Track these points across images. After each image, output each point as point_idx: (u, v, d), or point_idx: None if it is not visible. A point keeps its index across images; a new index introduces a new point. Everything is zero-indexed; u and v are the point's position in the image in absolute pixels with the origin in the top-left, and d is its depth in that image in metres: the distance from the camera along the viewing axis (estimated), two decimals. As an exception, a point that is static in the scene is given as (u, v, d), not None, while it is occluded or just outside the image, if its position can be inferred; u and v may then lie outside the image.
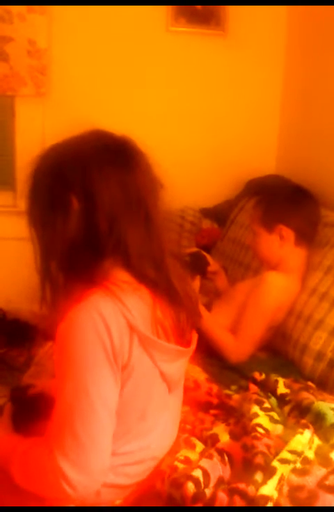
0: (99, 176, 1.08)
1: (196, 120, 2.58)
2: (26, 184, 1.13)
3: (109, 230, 1.08)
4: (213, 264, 2.11)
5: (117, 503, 1.18)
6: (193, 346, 1.25)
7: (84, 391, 1.03)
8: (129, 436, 1.15)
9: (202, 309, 1.71)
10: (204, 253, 2.09)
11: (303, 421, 1.35)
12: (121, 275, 1.10)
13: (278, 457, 1.21)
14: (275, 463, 1.19)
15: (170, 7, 2.47)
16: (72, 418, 1.03)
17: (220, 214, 2.51)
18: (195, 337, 1.25)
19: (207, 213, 2.54)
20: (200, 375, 1.58)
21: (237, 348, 1.86)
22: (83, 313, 1.05)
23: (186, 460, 1.22)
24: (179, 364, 1.21)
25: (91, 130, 1.14)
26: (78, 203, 1.08)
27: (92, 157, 1.09)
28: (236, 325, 1.91)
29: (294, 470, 1.18)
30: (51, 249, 1.11)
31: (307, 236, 1.94)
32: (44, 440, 1.07)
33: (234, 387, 1.58)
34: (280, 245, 1.92)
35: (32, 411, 1.28)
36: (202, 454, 1.24)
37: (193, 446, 1.28)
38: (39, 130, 2.50)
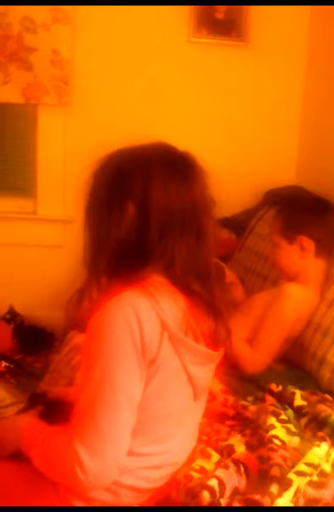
0: (159, 187, 1.12)
1: (216, 130, 2.59)
2: (86, 184, 1.18)
3: (159, 239, 1.12)
4: (230, 275, 2.10)
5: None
6: (222, 353, 1.26)
7: (109, 380, 1.06)
8: (151, 437, 1.16)
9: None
10: (222, 263, 2.09)
11: (320, 433, 1.35)
12: (158, 279, 1.14)
13: (295, 469, 1.20)
14: (291, 475, 1.18)
15: (192, 17, 2.48)
16: (95, 405, 1.06)
17: (238, 224, 2.51)
18: (223, 348, 1.26)
19: (225, 222, 2.54)
20: (216, 386, 1.58)
21: (254, 359, 1.85)
22: (116, 306, 1.08)
23: (202, 470, 1.23)
24: (207, 370, 1.23)
25: (154, 142, 1.18)
26: (135, 209, 1.12)
27: (155, 168, 1.13)
28: (254, 337, 1.90)
29: (311, 483, 1.18)
30: (102, 249, 1.15)
31: (328, 247, 1.93)
32: (66, 428, 1.10)
33: (250, 398, 1.58)
34: (301, 256, 1.91)
35: (51, 417, 1.30)
36: (217, 464, 1.24)
37: (208, 457, 1.28)
38: (60, 139, 2.54)
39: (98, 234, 1.16)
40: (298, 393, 1.53)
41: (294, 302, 1.87)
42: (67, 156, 2.55)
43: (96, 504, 1.14)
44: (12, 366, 1.97)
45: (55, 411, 1.33)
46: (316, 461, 1.23)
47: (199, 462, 1.25)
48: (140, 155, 1.16)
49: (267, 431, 1.33)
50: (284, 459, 1.24)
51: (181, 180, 1.14)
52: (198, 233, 1.15)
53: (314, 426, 1.41)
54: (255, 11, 2.49)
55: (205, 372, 1.22)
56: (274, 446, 1.27)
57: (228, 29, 2.51)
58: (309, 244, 1.90)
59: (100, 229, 1.15)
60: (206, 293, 1.17)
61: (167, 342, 1.10)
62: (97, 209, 1.16)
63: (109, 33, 2.48)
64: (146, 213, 1.12)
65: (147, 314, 1.08)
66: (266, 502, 1.12)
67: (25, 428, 1.20)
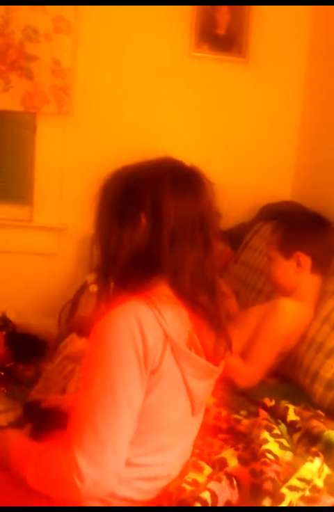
0: (170, 199, 1.15)
1: (214, 144, 2.62)
2: (96, 197, 1.20)
3: (170, 250, 1.14)
4: (224, 287, 2.10)
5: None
6: (222, 368, 1.27)
7: (111, 387, 1.06)
8: (148, 448, 1.16)
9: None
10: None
11: (313, 449, 1.35)
12: (163, 290, 1.16)
13: (287, 484, 1.20)
14: (283, 490, 1.18)
15: (193, 32, 2.51)
16: (95, 412, 1.06)
17: (233, 237, 2.51)
18: (223, 363, 1.28)
19: (221, 235, 2.54)
20: (209, 399, 1.58)
21: (247, 373, 1.85)
22: (120, 314, 1.10)
23: (194, 483, 1.22)
24: (206, 385, 1.24)
25: (165, 157, 1.21)
26: (147, 221, 1.15)
27: (165, 181, 1.16)
28: (247, 350, 1.90)
29: (303, 498, 1.18)
30: (113, 259, 1.17)
31: (324, 263, 1.93)
32: (62, 440, 1.09)
33: (243, 413, 1.58)
34: (297, 271, 1.91)
35: (46, 425, 1.29)
36: (210, 477, 1.24)
37: (201, 470, 1.28)
38: (59, 148, 2.55)
39: (110, 245, 1.18)
40: (291, 408, 1.53)
41: (288, 317, 1.88)
42: (64, 165, 2.56)
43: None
44: (2, 373, 1.96)
45: (49, 420, 1.32)
46: (308, 476, 1.23)
47: (191, 475, 1.25)
48: (151, 169, 1.19)
49: (260, 445, 1.32)
50: (277, 473, 1.23)
51: (190, 193, 1.17)
52: (206, 245, 1.18)
53: (307, 442, 1.41)
54: (256, 28, 2.53)
55: (204, 387, 1.23)
56: (267, 461, 1.27)
57: (229, 45, 2.54)
58: (305, 260, 1.91)
59: (112, 240, 1.17)
60: (211, 305, 1.19)
61: (169, 353, 1.11)
62: (109, 221, 1.18)
63: (111, 45, 2.50)
64: (157, 225, 1.14)
65: (150, 324, 1.09)
66: (259, 517, 1.11)
67: (14, 448, 1.18)
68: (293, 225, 1.96)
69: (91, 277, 2.33)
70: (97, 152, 2.51)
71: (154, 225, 1.14)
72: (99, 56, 2.51)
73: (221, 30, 2.53)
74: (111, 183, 1.20)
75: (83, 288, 2.40)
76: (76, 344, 1.97)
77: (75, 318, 2.31)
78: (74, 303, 2.40)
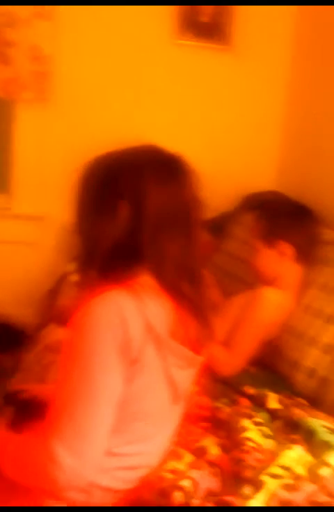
0: (152, 188, 1.13)
1: (198, 132, 2.59)
2: (76, 185, 1.17)
3: (151, 239, 1.12)
4: (207, 277, 2.09)
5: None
6: (204, 358, 1.27)
7: (90, 377, 1.05)
8: (129, 437, 1.15)
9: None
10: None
11: (294, 436, 1.35)
12: (146, 280, 1.14)
13: (268, 471, 1.21)
14: (264, 477, 1.18)
15: (175, 19, 2.48)
16: (74, 402, 1.05)
17: (216, 227, 2.51)
18: (206, 352, 1.27)
19: (203, 224, 2.53)
20: (191, 387, 1.57)
21: (230, 361, 1.85)
22: (101, 303, 1.08)
23: (174, 471, 1.21)
24: (188, 374, 1.23)
25: (147, 144, 1.18)
26: (128, 210, 1.13)
27: (148, 170, 1.14)
28: (229, 339, 1.90)
29: (284, 485, 1.18)
30: (94, 248, 1.15)
31: (306, 253, 1.95)
32: (41, 430, 1.08)
33: (224, 400, 1.58)
34: (280, 260, 1.92)
35: (25, 415, 1.28)
36: (191, 465, 1.23)
37: (181, 457, 1.27)
38: (38, 135, 2.51)
39: (90, 235, 1.16)
40: (272, 396, 1.54)
41: (270, 306, 1.88)
42: (44, 153, 2.52)
43: (67, 504, 1.12)
44: (-19, 363, 1.94)
45: (28, 410, 1.31)
46: (289, 464, 1.23)
47: (171, 463, 1.24)
48: (133, 156, 1.17)
49: (241, 433, 1.33)
50: (258, 461, 1.24)
51: (173, 182, 1.15)
52: (189, 234, 1.17)
53: (288, 429, 1.41)
54: (240, 15, 2.51)
55: (186, 376, 1.22)
56: (248, 448, 1.27)
57: (213, 32, 2.52)
58: (288, 249, 1.91)
59: (92, 230, 1.15)
60: (194, 295, 1.17)
61: (151, 343, 1.10)
62: (89, 210, 1.16)
63: (92, 31, 2.46)
64: (139, 213, 1.12)
65: (132, 314, 1.08)
66: (239, 504, 1.11)
67: None
68: (277, 215, 1.96)
69: (71, 267, 2.30)
70: (77, 140, 2.47)
71: (135, 214, 1.12)
72: (80, 42, 2.46)
73: (205, 18, 2.50)
74: (92, 170, 1.18)
75: (63, 277, 2.38)
76: (55, 333, 1.96)
77: (55, 308, 2.29)
78: (54, 293, 2.37)
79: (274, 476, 1.19)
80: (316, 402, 1.67)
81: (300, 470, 1.23)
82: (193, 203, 1.18)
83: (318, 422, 1.38)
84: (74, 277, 2.19)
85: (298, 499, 1.16)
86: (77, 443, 1.04)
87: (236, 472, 1.22)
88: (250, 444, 1.29)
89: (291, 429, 1.40)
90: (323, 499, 1.16)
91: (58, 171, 2.43)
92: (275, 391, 1.59)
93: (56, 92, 2.45)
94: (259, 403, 1.52)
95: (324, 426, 1.37)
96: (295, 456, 1.26)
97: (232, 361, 1.84)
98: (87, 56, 2.48)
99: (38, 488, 1.10)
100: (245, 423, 1.37)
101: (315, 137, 2.38)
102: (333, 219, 2.11)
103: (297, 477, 1.21)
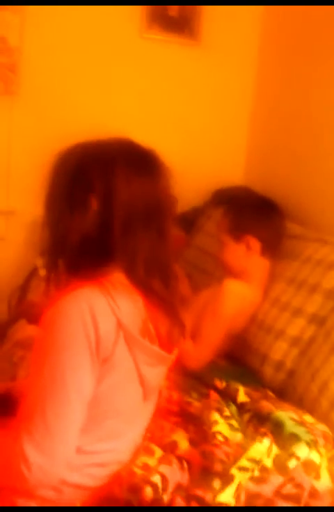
0: (123, 182, 1.10)
1: (166, 126, 2.59)
2: (45, 178, 1.15)
3: (122, 235, 1.10)
4: (177, 271, 2.10)
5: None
6: (175, 355, 1.27)
7: (61, 376, 1.04)
8: (100, 434, 1.15)
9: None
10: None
11: (262, 429, 1.36)
12: (118, 277, 1.12)
13: (237, 465, 1.22)
14: (233, 471, 1.20)
15: (144, 13, 2.47)
16: (44, 401, 1.04)
17: (186, 221, 2.52)
18: (177, 349, 1.27)
19: (174, 219, 2.54)
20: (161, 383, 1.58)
21: (196, 354, 1.87)
22: (71, 301, 1.07)
23: (145, 466, 1.22)
24: (159, 371, 1.23)
25: (118, 137, 1.16)
26: (97, 204, 1.10)
27: (118, 163, 1.12)
28: (196, 332, 1.91)
29: (252, 478, 1.20)
30: (62, 243, 1.13)
31: (273, 247, 1.97)
32: (11, 427, 1.07)
33: (194, 395, 1.58)
34: (246, 255, 1.95)
35: None
36: (160, 460, 1.24)
37: (151, 453, 1.28)
38: (5, 129, 2.46)
39: (59, 229, 1.14)
40: (241, 389, 1.55)
41: (234, 297, 1.90)
42: (11, 147, 2.48)
43: (38, 501, 1.12)
44: None
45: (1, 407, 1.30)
46: (257, 457, 1.24)
47: (142, 459, 1.24)
48: (104, 149, 1.14)
49: (211, 427, 1.33)
50: (227, 455, 1.25)
51: (144, 176, 1.13)
52: (161, 230, 1.15)
53: (257, 422, 1.42)
54: (208, 10, 2.51)
55: (156, 373, 1.22)
56: (217, 442, 1.28)
57: (181, 27, 2.51)
58: (255, 244, 1.94)
59: (61, 224, 1.13)
60: (166, 292, 1.17)
61: (122, 341, 1.10)
62: (58, 203, 1.14)
63: (60, 23, 2.42)
64: (109, 208, 1.10)
65: (102, 312, 1.07)
66: (208, 498, 1.13)
67: None
68: (243, 210, 1.99)
69: (41, 262, 2.28)
70: (45, 133, 2.44)
71: (106, 208, 1.10)
72: (47, 34, 2.43)
73: (173, 12, 2.50)
74: (62, 162, 1.15)
75: (33, 273, 2.35)
76: (25, 330, 1.94)
77: (25, 303, 2.27)
78: (24, 288, 2.35)
79: (243, 469, 1.20)
80: (284, 394, 1.69)
81: (269, 463, 1.24)
82: (165, 198, 1.17)
83: (286, 415, 1.39)
84: (44, 272, 2.18)
85: (266, 491, 1.18)
86: (47, 441, 1.03)
87: (205, 466, 1.22)
88: (220, 438, 1.30)
89: (259, 422, 1.41)
90: (291, 491, 1.19)
91: (26, 165, 2.40)
92: (244, 384, 1.60)
93: (22, 85, 2.42)
94: (229, 397, 1.52)
95: (292, 419, 1.38)
96: (263, 448, 1.27)
97: (198, 354, 1.86)
98: (54, 48, 2.45)
99: (9, 487, 1.10)
100: (215, 416, 1.38)
101: (281, 133, 2.40)
102: (299, 214, 2.15)
103: (265, 469, 1.22)
